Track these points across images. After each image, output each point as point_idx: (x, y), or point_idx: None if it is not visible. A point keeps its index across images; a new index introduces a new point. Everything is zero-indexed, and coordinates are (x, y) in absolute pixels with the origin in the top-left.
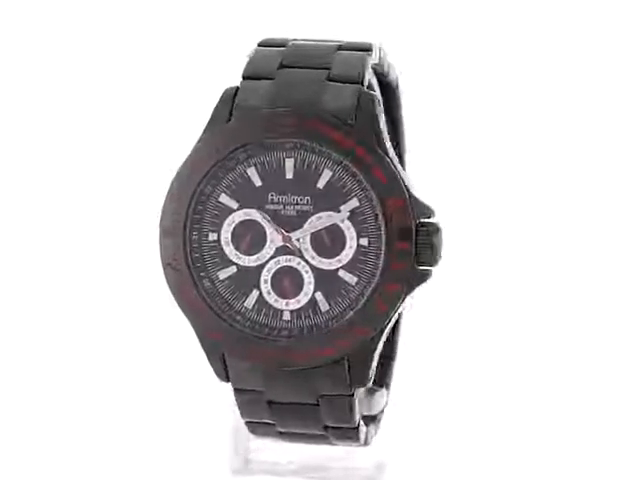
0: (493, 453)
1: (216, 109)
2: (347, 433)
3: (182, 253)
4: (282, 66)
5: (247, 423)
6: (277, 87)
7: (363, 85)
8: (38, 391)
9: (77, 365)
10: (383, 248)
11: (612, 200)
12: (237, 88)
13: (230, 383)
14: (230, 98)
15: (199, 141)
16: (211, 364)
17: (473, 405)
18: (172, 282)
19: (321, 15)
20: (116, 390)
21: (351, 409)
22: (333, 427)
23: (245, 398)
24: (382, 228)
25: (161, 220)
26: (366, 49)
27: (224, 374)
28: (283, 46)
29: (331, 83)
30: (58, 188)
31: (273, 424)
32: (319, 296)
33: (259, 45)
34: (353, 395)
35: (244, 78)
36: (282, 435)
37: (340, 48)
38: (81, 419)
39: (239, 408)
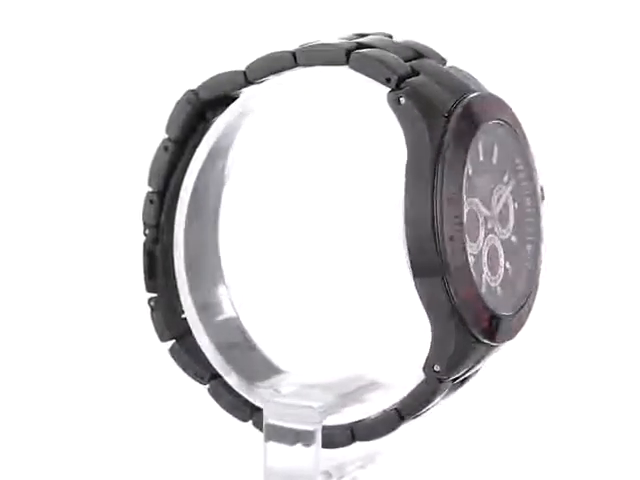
0: (490, 447)
1: (428, 129)
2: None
3: (464, 254)
4: (405, 61)
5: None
6: (439, 79)
7: None
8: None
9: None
10: (535, 205)
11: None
12: (413, 90)
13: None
14: (422, 100)
15: (441, 155)
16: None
17: (472, 403)
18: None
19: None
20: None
21: None
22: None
23: (440, 386)
24: (533, 188)
25: None
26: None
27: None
28: (370, 46)
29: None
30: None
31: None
32: (508, 265)
33: (350, 51)
34: None
35: (401, 79)
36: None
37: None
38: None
39: (430, 400)
